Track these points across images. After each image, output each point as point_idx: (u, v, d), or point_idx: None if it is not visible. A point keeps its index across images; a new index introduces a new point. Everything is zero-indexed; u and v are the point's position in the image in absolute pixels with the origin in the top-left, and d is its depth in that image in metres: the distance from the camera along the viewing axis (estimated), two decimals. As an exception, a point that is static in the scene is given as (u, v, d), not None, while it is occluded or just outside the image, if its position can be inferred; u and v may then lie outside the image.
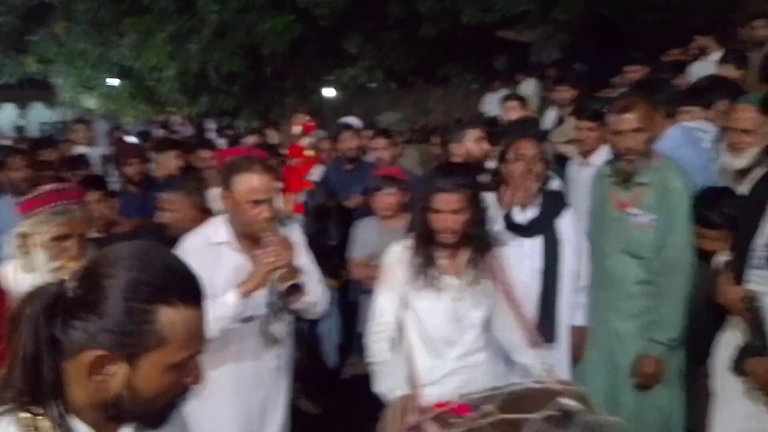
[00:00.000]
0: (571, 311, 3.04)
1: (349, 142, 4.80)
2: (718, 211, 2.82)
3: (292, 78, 13.09)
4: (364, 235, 3.70)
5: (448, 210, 2.37)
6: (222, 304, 2.26)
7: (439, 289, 2.47)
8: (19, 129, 11.82)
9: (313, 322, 4.16)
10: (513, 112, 5.03)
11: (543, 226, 2.97)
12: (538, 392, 2.14)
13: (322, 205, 4.17)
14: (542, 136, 3.83)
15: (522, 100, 5.42)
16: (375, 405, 2.78)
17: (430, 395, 2.30)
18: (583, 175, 3.78)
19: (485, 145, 3.50)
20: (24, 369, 1.01)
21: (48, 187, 2.29)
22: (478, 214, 2.46)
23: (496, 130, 3.84)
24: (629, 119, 2.79)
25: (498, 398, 2.09)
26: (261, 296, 2.44)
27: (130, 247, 1.08)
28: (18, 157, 4.10)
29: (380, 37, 11.89)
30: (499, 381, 2.64)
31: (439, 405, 2.11)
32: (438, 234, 2.41)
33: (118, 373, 1.01)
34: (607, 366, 2.99)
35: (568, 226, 2.99)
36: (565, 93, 5.58)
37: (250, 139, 5.85)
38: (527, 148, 2.96)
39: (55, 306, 1.02)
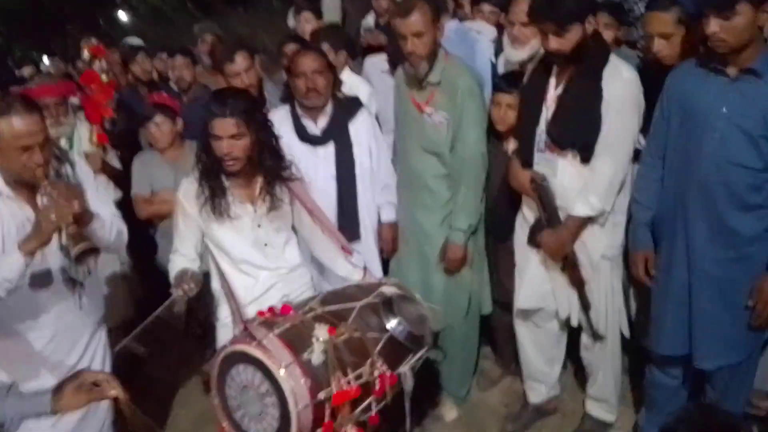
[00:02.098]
0: (376, 209, 3.19)
1: (142, 64, 4.51)
2: (509, 79, 3.02)
3: (69, 3, 11.88)
4: (142, 169, 3.52)
5: (225, 135, 2.33)
6: (3, 266, 2.05)
7: (235, 218, 2.47)
8: None
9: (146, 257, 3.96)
10: (307, 24, 4.93)
11: (335, 134, 3.03)
12: (360, 287, 2.26)
13: (125, 131, 3.91)
14: (346, 44, 3.77)
15: (316, 11, 5.32)
16: (202, 342, 2.75)
17: (254, 311, 2.29)
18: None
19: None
20: None
21: None
22: (262, 139, 2.42)
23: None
24: (409, 23, 2.78)
25: (319, 297, 2.16)
26: (53, 244, 2.19)
27: None
28: None
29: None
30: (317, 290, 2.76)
31: (262, 313, 2.14)
32: (222, 162, 2.38)
33: None
34: (418, 258, 3.17)
35: (360, 129, 3.07)
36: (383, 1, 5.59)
37: (26, 71, 5.26)
38: (305, 64, 2.93)
39: None
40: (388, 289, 2.24)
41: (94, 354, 2.55)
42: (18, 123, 2.08)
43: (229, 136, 2.33)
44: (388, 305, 2.11)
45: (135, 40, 5.98)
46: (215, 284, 2.60)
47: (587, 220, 2.71)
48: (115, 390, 1.69)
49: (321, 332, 1.93)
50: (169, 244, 3.41)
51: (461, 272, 3.10)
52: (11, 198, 2.21)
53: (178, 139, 3.51)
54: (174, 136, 3.47)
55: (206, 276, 2.62)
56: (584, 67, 2.61)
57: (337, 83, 3.13)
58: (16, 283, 2.08)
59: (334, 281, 2.78)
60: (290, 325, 1.97)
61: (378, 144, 3.14)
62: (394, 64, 3.39)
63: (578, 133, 2.63)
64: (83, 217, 2.12)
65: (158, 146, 3.47)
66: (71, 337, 2.45)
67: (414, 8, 2.78)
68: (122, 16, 12.90)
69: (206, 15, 14.46)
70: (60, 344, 2.41)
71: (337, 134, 3.03)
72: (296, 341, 1.93)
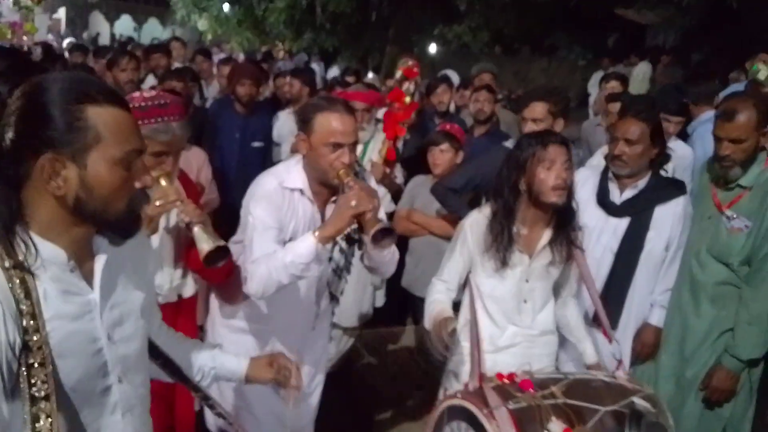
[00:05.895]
0: (647, 306, 2.87)
1: (442, 96, 4.75)
2: None
3: (395, 27, 12.99)
4: (412, 188, 3.74)
5: (561, 161, 2.24)
6: (295, 249, 2.09)
7: (510, 266, 2.37)
8: (131, 40, 12.30)
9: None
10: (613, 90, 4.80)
11: (635, 210, 2.79)
12: (608, 386, 2.07)
13: (412, 156, 4.15)
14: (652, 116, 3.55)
15: (624, 81, 5.13)
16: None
17: (490, 362, 2.21)
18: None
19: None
20: None
21: (150, 97, 2.21)
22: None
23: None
24: (730, 127, 2.58)
25: (563, 382, 2.02)
26: (324, 253, 2.29)
27: (57, 73, 1.24)
28: (127, 59, 4.19)
29: (492, -3, 11.56)
30: (562, 366, 2.59)
31: (501, 376, 2.06)
32: (552, 191, 2.25)
33: (70, 175, 1.14)
34: (674, 369, 2.84)
35: (667, 216, 2.77)
36: None
37: (350, 79, 5.84)
38: (619, 129, 2.77)
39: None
40: (641, 403, 2.00)
41: (312, 350, 2.59)
42: (336, 120, 2.16)
43: (564, 162, 2.25)
44: (636, 422, 1.89)
45: (453, 75, 6.30)
46: (462, 318, 2.49)
47: None
48: (297, 383, 1.76)
49: (556, 428, 1.79)
50: (415, 263, 3.61)
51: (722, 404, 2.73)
52: (308, 198, 2.31)
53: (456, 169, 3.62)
54: (452, 166, 3.60)
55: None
56: None
57: (657, 159, 2.84)
58: (308, 268, 2.10)
59: (571, 352, 2.62)
60: (526, 405, 1.86)
61: (681, 239, 2.81)
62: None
63: None
64: (378, 214, 2.12)
65: (436, 171, 3.63)
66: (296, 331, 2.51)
67: (738, 111, 2.58)
68: (432, 48, 13.74)
69: (511, 59, 14.85)
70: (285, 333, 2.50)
71: (637, 211, 2.78)
72: (527, 425, 1.82)
